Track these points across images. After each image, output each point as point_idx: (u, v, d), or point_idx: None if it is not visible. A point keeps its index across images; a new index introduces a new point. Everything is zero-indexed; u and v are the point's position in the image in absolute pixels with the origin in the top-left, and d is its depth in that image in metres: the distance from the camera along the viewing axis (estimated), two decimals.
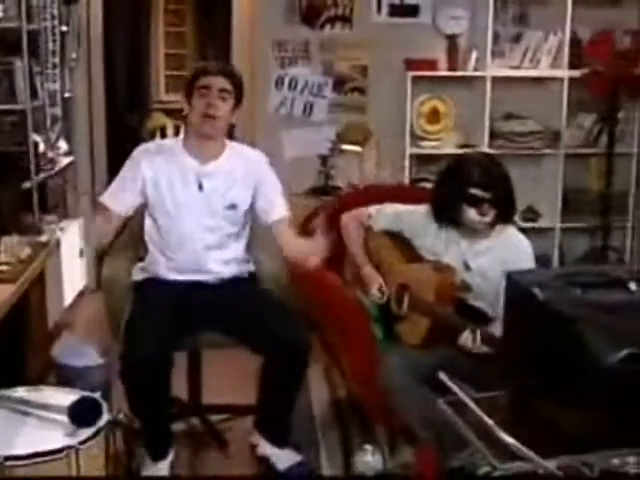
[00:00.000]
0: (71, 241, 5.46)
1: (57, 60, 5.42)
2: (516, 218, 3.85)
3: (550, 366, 2.34)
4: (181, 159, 3.66)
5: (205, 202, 3.64)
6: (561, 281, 2.45)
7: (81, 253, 5.74)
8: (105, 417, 2.91)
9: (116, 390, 3.54)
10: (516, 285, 2.50)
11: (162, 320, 3.43)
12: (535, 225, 6.01)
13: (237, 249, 3.76)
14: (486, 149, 5.76)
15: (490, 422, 2.40)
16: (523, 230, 3.76)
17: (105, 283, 3.82)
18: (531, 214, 6.06)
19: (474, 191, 3.39)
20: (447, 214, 3.52)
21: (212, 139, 3.66)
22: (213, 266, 3.68)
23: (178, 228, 3.65)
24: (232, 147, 3.77)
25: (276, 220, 3.75)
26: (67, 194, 5.90)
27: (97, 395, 3.02)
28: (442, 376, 2.70)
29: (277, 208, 3.75)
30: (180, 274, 3.67)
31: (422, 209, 3.65)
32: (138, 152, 3.73)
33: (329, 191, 5.77)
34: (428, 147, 5.93)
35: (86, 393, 3.05)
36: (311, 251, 3.59)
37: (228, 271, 3.72)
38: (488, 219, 3.44)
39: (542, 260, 5.89)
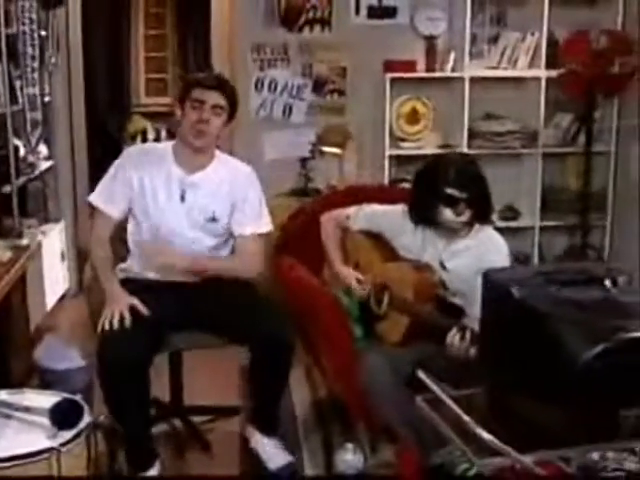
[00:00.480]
0: (52, 245, 5.45)
1: (37, 64, 5.39)
2: (495, 217, 3.86)
3: (527, 362, 2.36)
4: (167, 167, 3.63)
5: (186, 214, 3.61)
6: (539, 279, 2.46)
7: (62, 257, 5.74)
8: (86, 419, 2.92)
9: (97, 392, 3.54)
10: (494, 283, 2.52)
11: (140, 320, 3.40)
12: (514, 224, 6.04)
13: None
14: (465, 149, 5.79)
15: (468, 419, 2.42)
16: (503, 229, 3.78)
17: (87, 285, 3.82)
18: (511, 213, 6.08)
19: (450, 191, 3.40)
20: (424, 214, 3.53)
21: (201, 150, 3.63)
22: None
23: (159, 236, 3.62)
24: (220, 159, 3.73)
25: (241, 234, 3.70)
26: (48, 198, 5.88)
27: (78, 397, 3.03)
28: (420, 374, 2.71)
29: (248, 226, 3.70)
30: (163, 276, 3.66)
31: (400, 209, 3.66)
32: (125, 157, 3.71)
33: (309, 193, 5.78)
34: (408, 148, 5.95)
35: (67, 395, 3.06)
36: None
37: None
38: (464, 219, 3.45)
39: (521, 259, 5.94)
